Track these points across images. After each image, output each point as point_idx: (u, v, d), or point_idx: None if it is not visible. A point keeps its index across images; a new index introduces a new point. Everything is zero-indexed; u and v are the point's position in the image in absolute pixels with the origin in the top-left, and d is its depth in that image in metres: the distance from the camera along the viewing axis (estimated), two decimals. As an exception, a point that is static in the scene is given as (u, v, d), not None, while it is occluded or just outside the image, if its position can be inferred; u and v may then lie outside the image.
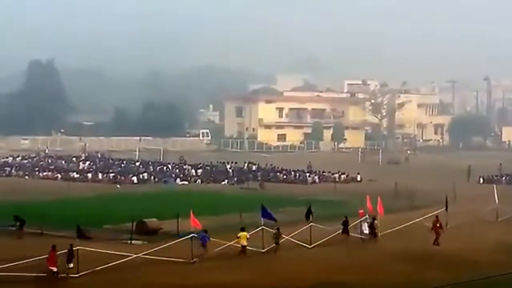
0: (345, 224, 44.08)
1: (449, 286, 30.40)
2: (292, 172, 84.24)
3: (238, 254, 38.77)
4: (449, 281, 31.14)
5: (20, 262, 32.73)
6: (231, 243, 39.07)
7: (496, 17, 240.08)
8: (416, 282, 33.97)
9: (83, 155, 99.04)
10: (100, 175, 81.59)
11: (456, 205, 52.19)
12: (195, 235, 37.89)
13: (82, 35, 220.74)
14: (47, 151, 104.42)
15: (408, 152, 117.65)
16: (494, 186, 61.27)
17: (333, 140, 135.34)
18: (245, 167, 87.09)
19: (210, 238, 38.56)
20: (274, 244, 40.37)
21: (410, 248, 41.31)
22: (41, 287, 32.48)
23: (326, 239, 42.56)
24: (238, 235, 39.06)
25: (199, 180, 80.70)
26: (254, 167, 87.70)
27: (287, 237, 41.15)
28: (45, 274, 32.55)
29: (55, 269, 32.65)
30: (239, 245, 38.93)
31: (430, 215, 49.69)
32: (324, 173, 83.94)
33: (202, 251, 37.99)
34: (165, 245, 37.86)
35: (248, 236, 39.10)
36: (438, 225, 42.72)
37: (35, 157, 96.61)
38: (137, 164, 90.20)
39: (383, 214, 46.14)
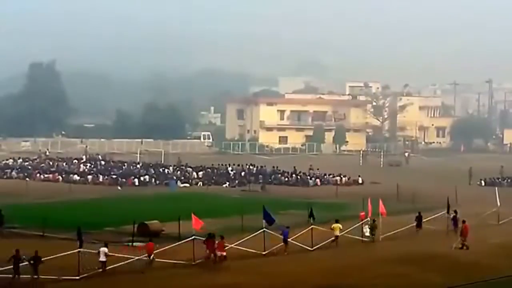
0: (419, 219, 47.33)
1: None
2: (294, 175, 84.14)
3: (331, 243, 42.31)
4: (450, 284, 31.07)
5: (23, 264, 32.67)
6: (231, 245, 39.02)
7: (498, 20, 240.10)
8: (417, 285, 33.92)
9: (84, 157, 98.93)
10: (101, 177, 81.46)
11: (457, 207, 52.07)
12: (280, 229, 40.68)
13: (84, 37, 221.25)
14: (47, 153, 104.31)
15: (406, 154, 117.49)
16: (496, 188, 61.21)
17: (334, 143, 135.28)
18: (246, 170, 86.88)
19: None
20: (370, 236, 44.36)
21: (411, 251, 41.29)
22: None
23: (327, 241, 42.54)
24: (332, 226, 43.01)
25: (200, 183, 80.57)
26: (254, 170, 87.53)
27: (289, 240, 41.12)
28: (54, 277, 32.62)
29: None
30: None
31: (431, 217, 49.79)
32: (325, 176, 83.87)
33: (283, 247, 40.29)
34: (167, 247, 37.80)
35: (341, 227, 43.09)
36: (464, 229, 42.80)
37: (36, 159, 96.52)
38: (139, 166, 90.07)
39: (385, 216, 46.18)
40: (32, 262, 32.60)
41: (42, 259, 32.69)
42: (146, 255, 36.53)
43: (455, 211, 48.65)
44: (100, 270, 34.68)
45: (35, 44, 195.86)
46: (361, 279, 34.81)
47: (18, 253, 32.74)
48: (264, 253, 39.69)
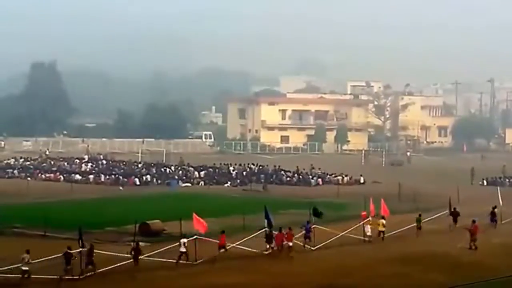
0: (455, 214, 48.69)
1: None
2: (296, 174, 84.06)
3: (377, 236, 44.53)
4: (452, 284, 30.97)
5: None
6: (233, 245, 38.99)
7: (500, 19, 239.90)
8: (419, 285, 33.86)
9: (86, 157, 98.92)
10: (102, 177, 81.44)
11: (459, 207, 52.02)
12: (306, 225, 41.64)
13: (85, 37, 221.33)
14: (47, 153, 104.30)
15: (408, 153, 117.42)
16: (498, 188, 61.12)
17: (336, 142, 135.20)
18: (247, 169, 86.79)
19: (213, 240, 38.54)
20: (417, 229, 46.52)
21: (413, 250, 41.26)
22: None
23: (329, 241, 42.48)
24: (377, 221, 45.11)
25: (202, 182, 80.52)
26: (256, 169, 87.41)
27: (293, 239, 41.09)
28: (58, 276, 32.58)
29: None
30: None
31: (433, 217, 49.74)
32: (327, 175, 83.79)
33: (305, 242, 41.34)
34: (168, 246, 37.76)
35: (384, 223, 45.04)
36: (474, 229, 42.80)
37: (37, 159, 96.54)
38: (140, 166, 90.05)
39: (388, 215, 46.19)
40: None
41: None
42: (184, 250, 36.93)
43: (495, 207, 50.36)
44: (179, 261, 36.60)
45: (36, 45, 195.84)
46: (363, 278, 34.76)
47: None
48: (266, 252, 39.66)
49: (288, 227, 40.79)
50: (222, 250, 38.20)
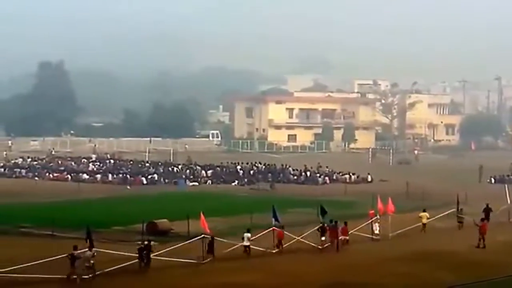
0: (487, 211, 49.20)
1: (459, 286, 30.15)
2: (303, 173, 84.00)
3: (420, 231, 46.69)
4: (459, 282, 30.87)
5: (32, 263, 32.63)
6: (240, 244, 38.97)
7: (507, 17, 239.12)
8: (427, 283, 33.74)
9: (93, 156, 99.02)
10: (110, 176, 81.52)
11: (467, 205, 51.86)
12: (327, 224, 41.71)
13: (92, 37, 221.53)
14: (53, 152, 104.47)
15: (415, 152, 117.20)
16: (506, 186, 60.93)
17: (343, 141, 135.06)
18: (254, 168, 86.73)
19: (219, 239, 38.51)
20: (458, 223, 48.42)
21: (420, 249, 41.14)
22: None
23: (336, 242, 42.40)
24: (420, 214, 47.61)
25: (209, 181, 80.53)
26: (263, 168, 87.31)
27: (298, 238, 41.01)
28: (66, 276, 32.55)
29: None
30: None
31: (441, 215, 49.62)
32: (334, 174, 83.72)
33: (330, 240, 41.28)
34: (176, 246, 37.73)
35: (428, 216, 47.53)
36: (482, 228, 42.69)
37: (45, 158, 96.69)
38: (147, 165, 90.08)
39: (394, 213, 46.11)
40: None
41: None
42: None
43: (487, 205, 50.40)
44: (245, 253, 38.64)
45: (44, 44, 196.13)
46: (370, 277, 34.65)
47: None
48: (274, 251, 39.63)
49: (344, 222, 42.43)
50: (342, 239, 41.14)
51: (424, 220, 47.33)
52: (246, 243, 38.92)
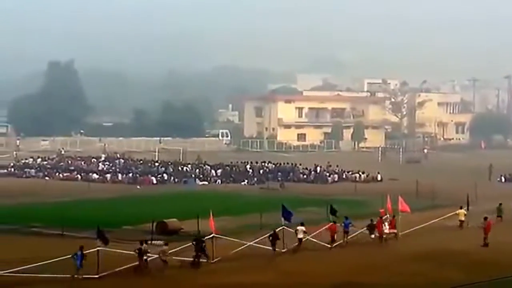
0: (499, 210, 49.91)
1: (469, 286, 30.07)
2: (312, 172, 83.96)
3: (458, 227, 47.37)
4: (469, 281, 30.80)
5: (42, 262, 32.71)
6: (251, 243, 38.96)
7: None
8: (436, 283, 33.66)
9: (103, 156, 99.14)
10: (120, 176, 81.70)
11: (477, 204, 51.75)
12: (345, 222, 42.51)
13: (101, 36, 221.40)
14: (63, 152, 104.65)
15: (425, 150, 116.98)
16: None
17: (353, 140, 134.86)
18: (264, 167, 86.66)
19: (231, 239, 38.53)
20: (497, 217, 48.63)
21: (430, 248, 41.05)
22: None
23: (347, 239, 42.38)
24: (457, 211, 48.21)
25: (219, 180, 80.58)
26: (272, 167, 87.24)
27: (309, 238, 40.99)
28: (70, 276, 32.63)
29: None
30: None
31: (450, 214, 49.49)
32: (344, 173, 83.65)
33: (345, 236, 42.14)
34: (186, 245, 37.75)
35: (465, 213, 47.85)
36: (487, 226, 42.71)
37: (55, 158, 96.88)
38: (157, 164, 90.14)
39: (407, 212, 45.92)
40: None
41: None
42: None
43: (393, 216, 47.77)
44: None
45: (53, 43, 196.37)
46: (380, 277, 34.64)
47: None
48: (283, 250, 39.61)
49: (392, 215, 44.15)
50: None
51: (461, 217, 47.86)
52: (300, 235, 39.82)
